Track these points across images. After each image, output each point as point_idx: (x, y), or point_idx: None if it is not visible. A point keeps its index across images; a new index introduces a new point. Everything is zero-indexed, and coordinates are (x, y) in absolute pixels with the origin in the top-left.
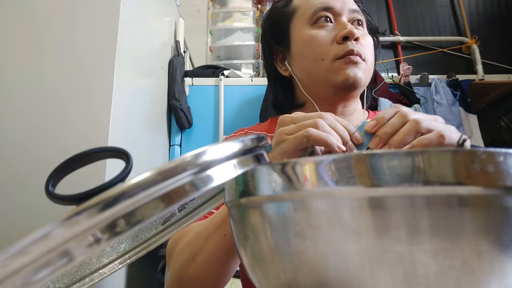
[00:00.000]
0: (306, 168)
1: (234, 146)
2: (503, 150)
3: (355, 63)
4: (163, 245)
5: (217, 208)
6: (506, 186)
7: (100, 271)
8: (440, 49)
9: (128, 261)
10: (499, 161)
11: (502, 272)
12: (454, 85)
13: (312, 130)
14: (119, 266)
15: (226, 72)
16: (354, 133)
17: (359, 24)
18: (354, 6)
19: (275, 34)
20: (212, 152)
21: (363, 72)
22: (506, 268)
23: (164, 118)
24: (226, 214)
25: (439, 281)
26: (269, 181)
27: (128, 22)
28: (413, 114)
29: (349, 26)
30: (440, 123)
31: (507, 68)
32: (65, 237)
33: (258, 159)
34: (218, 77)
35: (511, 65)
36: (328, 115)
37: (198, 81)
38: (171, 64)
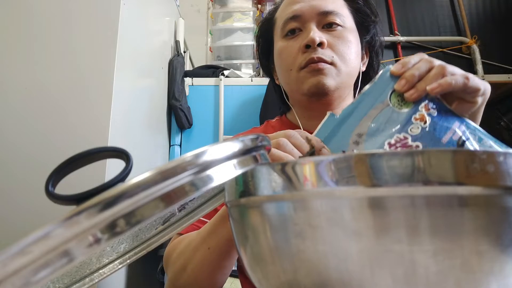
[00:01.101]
0: (306, 168)
1: (234, 146)
2: (503, 150)
3: (318, 70)
4: (163, 245)
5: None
6: (506, 186)
7: (100, 271)
8: (440, 49)
9: (128, 261)
10: (499, 161)
11: (502, 272)
12: None
13: (273, 151)
14: (119, 266)
15: (226, 72)
16: (321, 149)
17: (331, 27)
18: (326, 8)
19: (262, 49)
20: (212, 152)
21: (332, 77)
22: (506, 268)
23: (164, 118)
24: (213, 226)
25: (439, 281)
26: (269, 181)
27: (128, 22)
28: (437, 61)
29: (312, 33)
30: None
31: (507, 68)
32: (65, 237)
33: (258, 159)
34: (218, 77)
35: (511, 65)
36: (294, 132)
37: (198, 81)
38: (171, 64)
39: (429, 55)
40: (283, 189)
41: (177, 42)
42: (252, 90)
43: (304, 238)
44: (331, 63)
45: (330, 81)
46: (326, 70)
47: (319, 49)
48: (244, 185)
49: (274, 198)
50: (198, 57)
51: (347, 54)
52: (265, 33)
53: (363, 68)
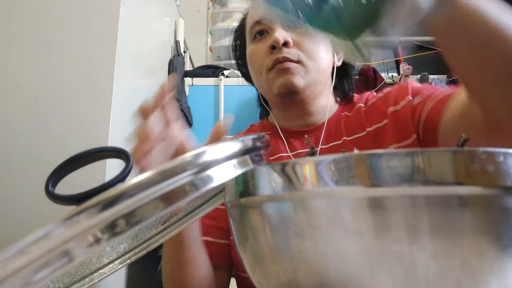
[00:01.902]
0: (306, 168)
1: (234, 146)
2: (503, 150)
3: (285, 70)
4: (163, 245)
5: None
6: (506, 186)
7: (100, 271)
8: (440, 49)
9: (128, 261)
10: (499, 161)
11: (501, 271)
12: (454, 85)
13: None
14: (119, 266)
15: (226, 72)
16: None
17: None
18: None
19: (239, 55)
20: (212, 152)
21: (300, 75)
22: (506, 267)
23: None
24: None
25: (439, 280)
26: (269, 181)
27: (128, 22)
28: None
29: (276, 33)
30: None
31: None
32: (65, 237)
33: (258, 159)
34: (218, 77)
35: None
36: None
37: (198, 81)
38: (171, 64)
39: (429, 55)
40: (283, 189)
41: (177, 42)
42: (252, 90)
43: (304, 238)
44: (298, 62)
45: (298, 80)
46: (293, 69)
47: (285, 49)
48: (244, 185)
49: (274, 198)
50: (198, 57)
51: (314, 51)
52: (239, 38)
53: (339, 63)
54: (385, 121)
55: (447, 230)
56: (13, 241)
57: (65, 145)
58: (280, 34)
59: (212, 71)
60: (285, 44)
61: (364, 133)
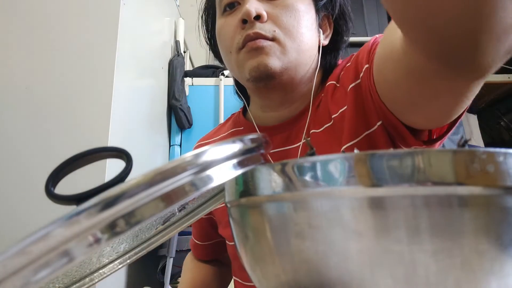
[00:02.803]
0: (306, 168)
1: (234, 146)
2: (503, 150)
3: (257, 49)
4: (163, 245)
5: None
6: (506, 186)
7: (100, 271)
8: None
9: (128, 261)
10: (499, 161)
11: (502, 271)
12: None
13: None
14: (119, 266)
15: (226, 72)
16: None
17: None
18: None
19: (209, 30)
20: (212, 152)
21: (276, 56)
22: (506, 267)
23: (164, 118)
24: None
25: (439, 280)
26: (269, 181)
27: (128, 22)
28: None
29: (247, 4)
30: None
31: (507, 68)
32: (65, 237)
33: (258, 159)
34: (218, 77)
35: (511, 65)
36: None
37: (198, 81)
38: (171, 64)
39: None
40: (283, 189)
41: (177, 42)
42: None
43: (304, 238)
44: (273, 39)
45: (273, 61)
46: (267, 48)
47: (257, 23)
48: (244, 185)
49: (274, 198)
50: (198, 57)
51: (293, 27)
52: (210, 12)
53: (325, 42)
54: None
55: (447, 230)
56: (13, 241)
57: (65, 145)
58: (252, 5)
59: (212, 71)
60: (258, 17)
61: (331, 122)
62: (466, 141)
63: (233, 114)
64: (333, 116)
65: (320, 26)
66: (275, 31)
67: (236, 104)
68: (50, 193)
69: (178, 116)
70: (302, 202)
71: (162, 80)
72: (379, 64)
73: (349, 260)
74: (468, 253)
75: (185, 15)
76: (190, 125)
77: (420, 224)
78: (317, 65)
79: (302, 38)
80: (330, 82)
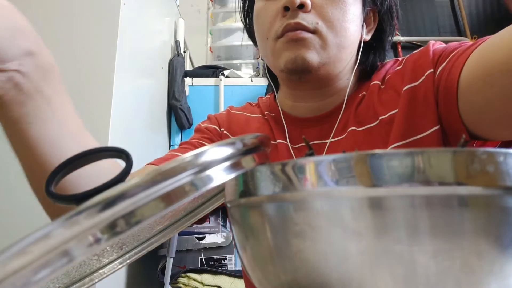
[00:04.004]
0: (306, 168)
1: (234, 146)
2: (503, 150)
3: (297, 40)
4: (163, 245)
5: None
6: (506, 186)
7: (100, 271)
8: None
9: (128, 261)
10: (499, 161)
11: (502, 272)
12: None
13: None
14: (119, 266)
15: (226, 72)
16: None
17: None
18: None
19: (247, 7)
20: (212, 152)
21: (315, 50)
22: (506, 268)
23: (164, 118)
24: None
25: (439, 281)
26: (269, 181)
27: (128, 22)
28: None
29: None
30: None
31: None
32: (65, 237)
33: (258, 159)
34: (218, 77)
35: None
36: None
37: (198, 81)
38: (171, 64)
39: None
40: (283, 189)
41: (177, 42)
42: (252, 90)
43: (304, 238)
44: (314, 31)
45: (312, 56)
46: (308, 41)
47: (301, 13)
48: (244, 185)
49: (274, 198)
50: (198, 57)
51: (338, 20)
52: None
53: (367, 37)
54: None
55: (447, 230)
56: (13, 241)
57: None
58: None
59: (212, 71)
60: (302, 6)
61: (376, 122)
62: (467, 142)
63: (261, 97)
64: (380, 118)
65: (364, 20)
66: (318, 23)
67: (236, 104)
68: (50, 193)
69: (178, 116)
70: (302, 202)
71: (162, 80)
72: (477, 72)
73: (349, 261)
74: (468, 253)
75: (185, 15)
76: (190, 125)
77: (420, 224)
78: (356, 61)
79: (345, 33)
80: (375, 82)
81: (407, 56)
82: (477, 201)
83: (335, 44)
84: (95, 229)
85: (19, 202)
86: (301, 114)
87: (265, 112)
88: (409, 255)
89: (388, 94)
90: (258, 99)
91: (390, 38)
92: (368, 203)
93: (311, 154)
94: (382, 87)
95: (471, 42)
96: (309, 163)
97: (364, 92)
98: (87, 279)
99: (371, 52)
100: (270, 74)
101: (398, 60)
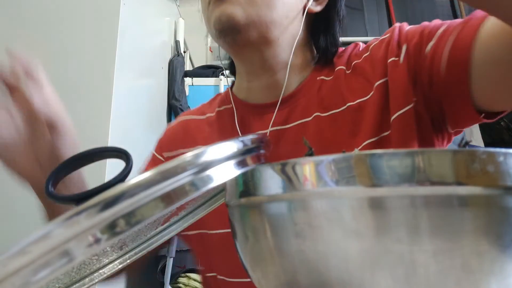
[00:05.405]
0: (306, 168)
1: (234, 146)
2: (503, 150)
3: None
4: (163, 245)
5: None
6: (506, 186)
7: (100, 271)
8: None
9: (128, 261)
10: (499, 161)
11: (502, 272)
12: None
13: None
14: (119, 266)
15: (226, 72)
16: None
17: None
18: None
19: None
20: (212, 152)
21: (240, 5)
22: (506, 268)
23: (164, 118)
24: None
25: (439, 281)
26: (269, 181)
27: (128, 22)
28: None
29: None
30: None
31: None
32: (65, 237)
33: (258, 159)
34: (218, 77)
35: None
36: None
37: (198, 81)
38: (171, 64)
39: None
40: (283, 189)
41: (177, 42)
42: None
43: (304, 238)
44: None
45: (236, 10)
46: None
47: None
48: (244, 185)
49: (274, 198)
50: (198, 57)
51: None
52: None
53: (317, 8)
54: (371, 93)
55: (447, 230)
56: (13, 241)
57: None
58: None
59: (212, 71)
60: None
61: (343, 107)
62: (467, 143)
63: (219, 94)
64: (348, 104)
65: None
66: None
67: None
68: (50, 193)
69: (178, 116)
70: (302, 202)
71: (162, 80)
72: (489, 42)
73: (349, 260)
74: (468, 253)
75: (185, 15)
76: None
77: (420, 224)
78: (299, 30)
79: None
80: (340, 67)
81: (371, 41)
82: (477, 201)
83: (264, 2)
84: (95, 229)
85: (19, 202)
86: (257, 99)
87: (218, 109)
88: (409, 255)
89: (358, 81)
90: (216, 95)
91: (338, 9)
92: (368, 203)
93: (311, 154)
94: (348, 72)
95: (450, 21)
96: (309, 163)
97: (323, 77)
98: (87, 279)
99: (323, 30)
100: (231, 66)
101: (358, 44)
